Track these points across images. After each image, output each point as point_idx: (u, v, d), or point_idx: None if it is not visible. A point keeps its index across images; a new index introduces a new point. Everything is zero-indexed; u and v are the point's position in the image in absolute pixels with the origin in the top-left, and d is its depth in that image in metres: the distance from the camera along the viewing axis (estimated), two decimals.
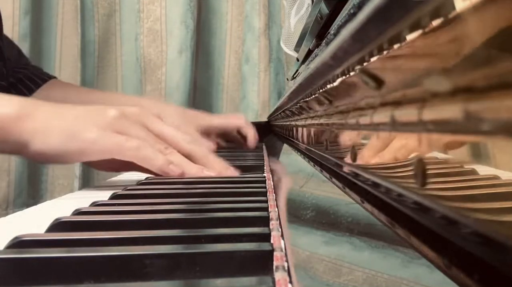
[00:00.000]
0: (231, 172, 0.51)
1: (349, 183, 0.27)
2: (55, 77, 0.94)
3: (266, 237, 0.23)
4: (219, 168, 0.51)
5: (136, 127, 0.48)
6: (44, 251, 0.20)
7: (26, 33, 1.30)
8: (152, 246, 0.21)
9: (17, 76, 0.87)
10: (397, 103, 0.17)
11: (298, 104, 0.50)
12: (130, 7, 1.40)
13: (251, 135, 0.90)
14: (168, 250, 0.21)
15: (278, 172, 0.33)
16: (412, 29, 0.14)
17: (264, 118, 1.35)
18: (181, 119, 0.81)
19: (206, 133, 0.83)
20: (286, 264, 0.19)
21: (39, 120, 0.46)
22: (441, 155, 0.14)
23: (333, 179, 0.31)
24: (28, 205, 0.39)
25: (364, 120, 0.22)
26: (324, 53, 0.26)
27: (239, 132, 0.92)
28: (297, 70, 0.70)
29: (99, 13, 1.39)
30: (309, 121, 0.46)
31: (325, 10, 0.38)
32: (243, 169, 0.55)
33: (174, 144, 0.50)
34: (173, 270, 0.20)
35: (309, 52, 0.53)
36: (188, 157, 0.50)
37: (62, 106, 0.49)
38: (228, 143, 0.93)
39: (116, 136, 0.46)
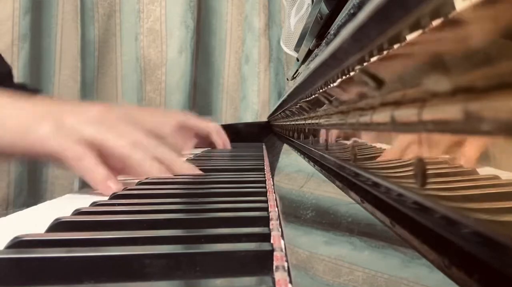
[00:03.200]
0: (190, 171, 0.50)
1: (349, 183, 0.27)
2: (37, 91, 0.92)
3: (266, 237, 0.23)
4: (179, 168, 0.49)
5: (93, 127, 0.45)
6: (44, 251, 0.20)
7: (26, 33, 1.30)
8: (152, 246, 0.21)
9: None
10: (397, 103, 0.17)
11: (298, 104, 0.50)
12: (130, 7, 1.40)
13: (219, 144, 0.99)
14: (168, 250, 0.21)
15: None
16: (412, 29, 0.14)
17: (264, 118, 1.35)
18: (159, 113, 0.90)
19: (182, 130, 0.90)
20: (286, 264, 0.19)
21: None
22: (441, 155, 0.14)
23: (333, 179, 0.31)
24: (28, 205, 0.39)
25: (364, 120, 0.22)
26: (324, 53, 0.26)
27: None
28: (297, 70, 0.70)
29: (99, 13, 1.39)
30: (309, 121, 0.46)
31: (325, 10, 0.38)
32: (243, 169, 0.55)
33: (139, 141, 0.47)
34: (173, 270, 0.20)
35: (309, 52, 0.53)
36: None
37: (25, 100, 0.47)
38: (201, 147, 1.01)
39: (62, 141, 0.42)
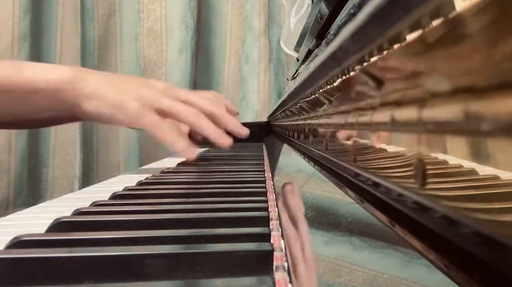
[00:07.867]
0: (244, 131, 0.68)
1: (349, 183, 0.27)
2: None
3: (266, 237, 0.23)
4: (234, 127, 0.66)
5: (167, 99, 0.59)
6: (44, 251, 0.20)
7: (26, 33, 1.30)
8: (152, 246, 0.21)
9: None
10: (397, 103, 0.17)
11: (298, 104, 0.50)
12: (130, 7, 1.40)
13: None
14: (168, 250, 0.21)
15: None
16: (412, 29, 0.14)
17: (264, 118, 1.35)
18: None
19: None
20: (286, 264, 0.19)
21: (91, 85, 0.56)
22: (441, 155, 0.14)
23: (333, 179, 0.31)
24: (28, 205, 0.39)
25: (364, 120, 0.22)
26: (324, 53, 0.26)
27: None
28: (297, 70, 0.70)
29: (99, 13, 1.39)
30: (309, 121, 0.46)
31: (325, 10, 0.38)
32: (243, 169, 0.55)
33: (200, 107, 0.62)
34: (173, 270, 0.20)
35: (309, 52, 0.53)
36: (211, 117, 0.62)
37: (108, 75, 0.61)
38: None
39: (151, 115, 0.57)
